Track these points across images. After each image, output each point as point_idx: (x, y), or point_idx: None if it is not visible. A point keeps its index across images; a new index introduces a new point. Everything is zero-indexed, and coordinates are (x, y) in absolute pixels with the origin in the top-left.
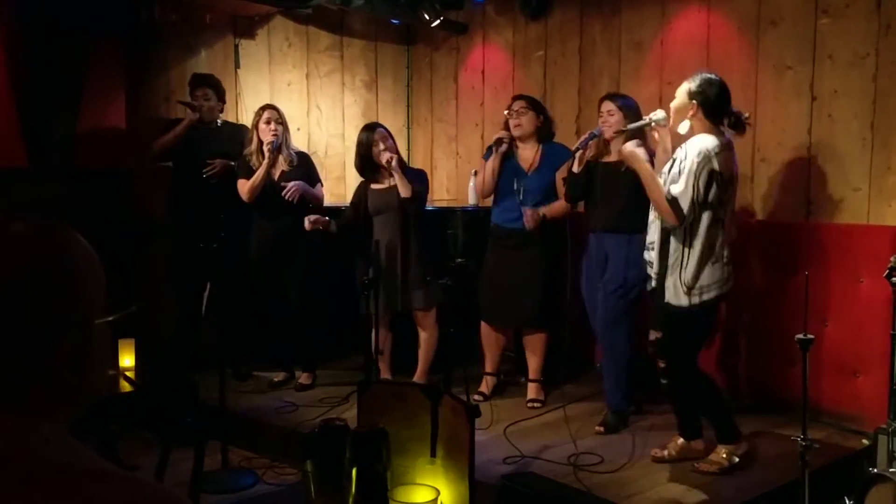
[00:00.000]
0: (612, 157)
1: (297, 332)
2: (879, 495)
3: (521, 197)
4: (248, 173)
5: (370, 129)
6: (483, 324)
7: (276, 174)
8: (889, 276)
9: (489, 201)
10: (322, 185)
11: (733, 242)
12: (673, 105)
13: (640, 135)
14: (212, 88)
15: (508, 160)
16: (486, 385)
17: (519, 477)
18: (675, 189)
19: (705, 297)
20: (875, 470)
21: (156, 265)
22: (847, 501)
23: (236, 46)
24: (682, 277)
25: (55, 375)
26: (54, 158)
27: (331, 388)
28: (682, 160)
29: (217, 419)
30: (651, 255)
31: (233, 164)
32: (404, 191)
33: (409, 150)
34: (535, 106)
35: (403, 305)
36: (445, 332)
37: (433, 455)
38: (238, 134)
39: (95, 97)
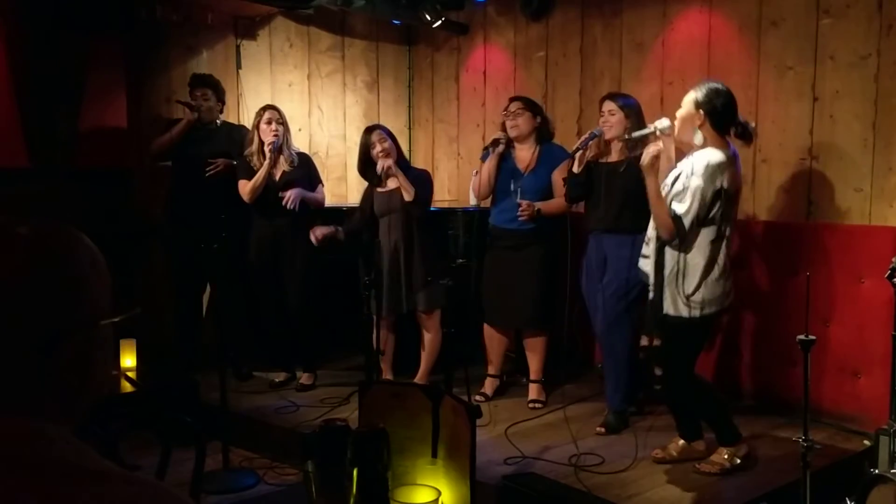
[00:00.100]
0: (613, 158)
1: (297, 332)
2: (881, 496)
3: (518, 198)
4: (249, 174)
5: (369, 131)
6: (486, 325)
7: (277, 175)
8: (890, 277)
9: (489, 202)
10: (323, 186)
11: (733, 244)
12: (679, 114)
13: (644, 142)
14: (211, 88)
15: (505, 161)
16: (488, 386)
17: (520, 477)
18: (680, 208)
19: (706, 311)
20: (876, 471)
21: (156, 265)
22: (848, 502)
23: (238, 47)
24: (679, 289)
25: (60, 377)
26: (55, 158)
27: (332, 389)
28: (689, 176)
29: (218, 419)
30: (646, 267)
31: (234, 163)
32: (406, 194)
33: (410, 150)
34: (531, 107)
35: (408, 307)
36: (445, 333)
37: (434, 455)
38: (237, 134)
39: (96, 97)
